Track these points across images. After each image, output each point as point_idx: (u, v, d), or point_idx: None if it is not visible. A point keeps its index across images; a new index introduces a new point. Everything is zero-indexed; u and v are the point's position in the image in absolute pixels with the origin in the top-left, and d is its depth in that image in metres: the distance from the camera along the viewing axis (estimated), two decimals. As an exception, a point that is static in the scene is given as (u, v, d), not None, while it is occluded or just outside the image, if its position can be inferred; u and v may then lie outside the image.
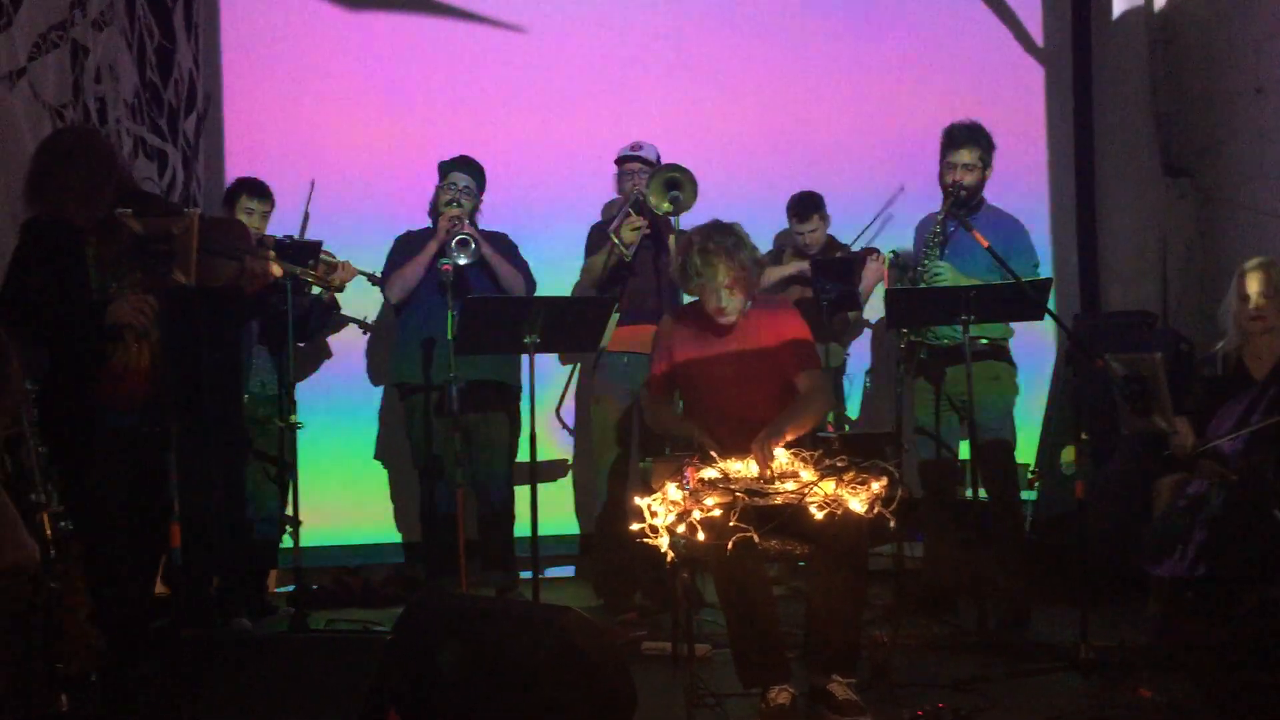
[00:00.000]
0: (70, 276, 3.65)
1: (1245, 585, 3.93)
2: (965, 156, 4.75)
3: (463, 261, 4.93)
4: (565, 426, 5.96)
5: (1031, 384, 5.05)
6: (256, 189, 5.07)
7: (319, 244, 4.96)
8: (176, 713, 2.97)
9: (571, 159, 6.00)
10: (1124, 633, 4.17)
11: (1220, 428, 4.24)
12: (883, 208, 5.81)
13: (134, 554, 3.75)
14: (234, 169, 5.56)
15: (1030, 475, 5.51)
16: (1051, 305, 4.53)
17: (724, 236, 3.88)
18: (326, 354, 5.85)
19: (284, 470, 5.04)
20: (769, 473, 3.58)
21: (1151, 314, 5.97)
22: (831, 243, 5.63)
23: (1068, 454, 5.29)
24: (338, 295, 5.27)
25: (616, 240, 5.06)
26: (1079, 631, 3.93)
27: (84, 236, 3.67)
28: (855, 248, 5.68)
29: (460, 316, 4.40)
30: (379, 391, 5.89)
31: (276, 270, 4.25)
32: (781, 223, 5.75)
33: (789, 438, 3.68)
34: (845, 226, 5.79)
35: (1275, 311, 4.26)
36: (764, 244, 5.74)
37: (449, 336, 4.70)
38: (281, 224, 5.20)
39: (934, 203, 4.87)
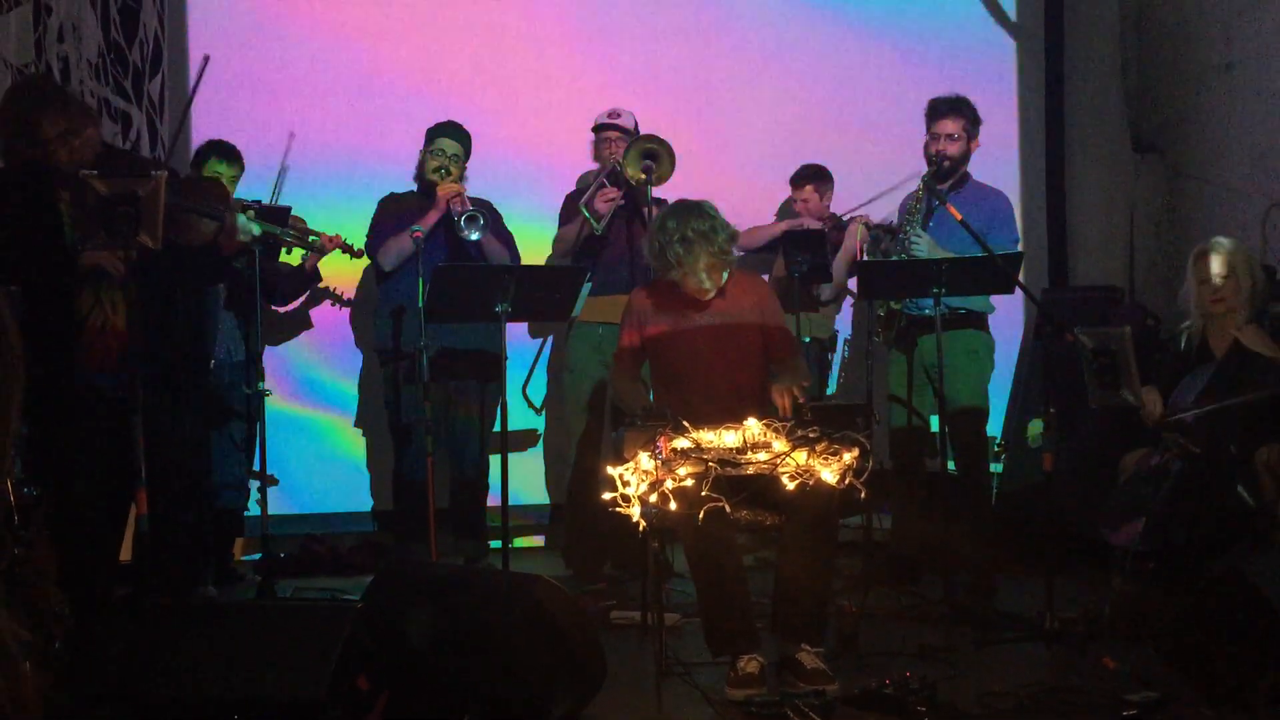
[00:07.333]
0: (45, 226, 3.58)
1: (1208, 556, 3.99)
2: (949, 126, 4.79)
3: (474, 237, 4.90)
4: (531, 405, 5.92)
5: (999, 357, 5.07)
6: (226, 152, 4.98)
7: (288, 209, 4.91)
8: (142, 681, 2.94)
9: (548, 126, 5.94)
10: (1089, 603, 4.22)
11: (1181, 400, 4.28)
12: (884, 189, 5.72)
13: (100, 520, 3.71)
14: (200, 133, 5.47)
15: (997, 448, 5.54)
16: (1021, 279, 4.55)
17: (700, 221, 3.84)
18: (306, 324, 5.77)
19: (250, 437, 5.00)
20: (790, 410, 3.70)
21: (1118, 289, 6.01)
22: (833, 218, 5.62)
23: (1035, 427, 5.33)
24: (320, 267, 5.22)
25: (587, 214, 5.03)
26: (1044, 602, 3.97)
27: (57, 190, 3.60)
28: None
29: (431, 284, 4.35)
30: (359, 357, 5.82)
31: (255, 229, 4.20)
32: (766, 192, 5.80)
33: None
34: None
35: (1233, 290, 4.28)
36: (755, 212, 5.73)
37: (419, 304, 4.67)
38: (249, 190, 5.12)
39: (901, 175, 4.89)
